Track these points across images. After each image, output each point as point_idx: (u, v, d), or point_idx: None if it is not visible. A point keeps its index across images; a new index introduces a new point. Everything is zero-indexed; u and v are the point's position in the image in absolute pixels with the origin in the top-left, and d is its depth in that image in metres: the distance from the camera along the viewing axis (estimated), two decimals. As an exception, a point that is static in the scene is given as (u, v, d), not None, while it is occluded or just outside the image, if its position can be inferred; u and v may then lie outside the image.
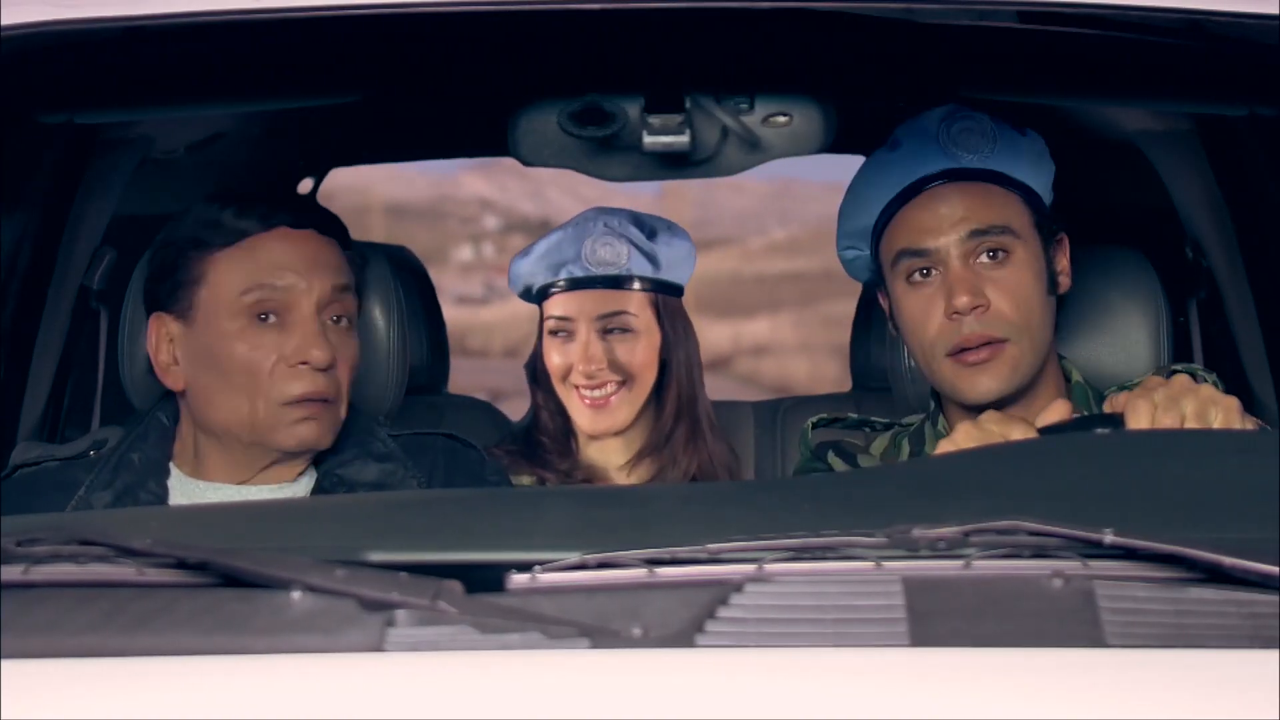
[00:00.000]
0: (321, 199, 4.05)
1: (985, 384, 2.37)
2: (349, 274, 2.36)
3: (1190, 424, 2.06)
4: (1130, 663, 1.32)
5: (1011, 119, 2.49)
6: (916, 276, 2.41)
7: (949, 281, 2.38)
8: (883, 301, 2.55)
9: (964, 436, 2.13)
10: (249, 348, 2.27)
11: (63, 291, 2.83)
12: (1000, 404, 2.39)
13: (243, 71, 2.39)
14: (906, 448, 2.54)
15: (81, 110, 2.48)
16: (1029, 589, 1.39)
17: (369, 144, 4.02)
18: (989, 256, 2.38)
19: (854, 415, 2.65)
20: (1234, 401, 2.11)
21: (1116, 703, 1.26)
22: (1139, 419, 2.07)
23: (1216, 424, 2.08)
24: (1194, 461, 1.81)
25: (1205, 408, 2.08)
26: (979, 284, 2.37)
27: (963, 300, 2.36)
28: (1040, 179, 2.46)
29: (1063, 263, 2.47)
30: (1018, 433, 2.13)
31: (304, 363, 2.27)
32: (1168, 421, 2.06)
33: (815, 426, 2.63)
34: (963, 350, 2.37)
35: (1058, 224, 2.47)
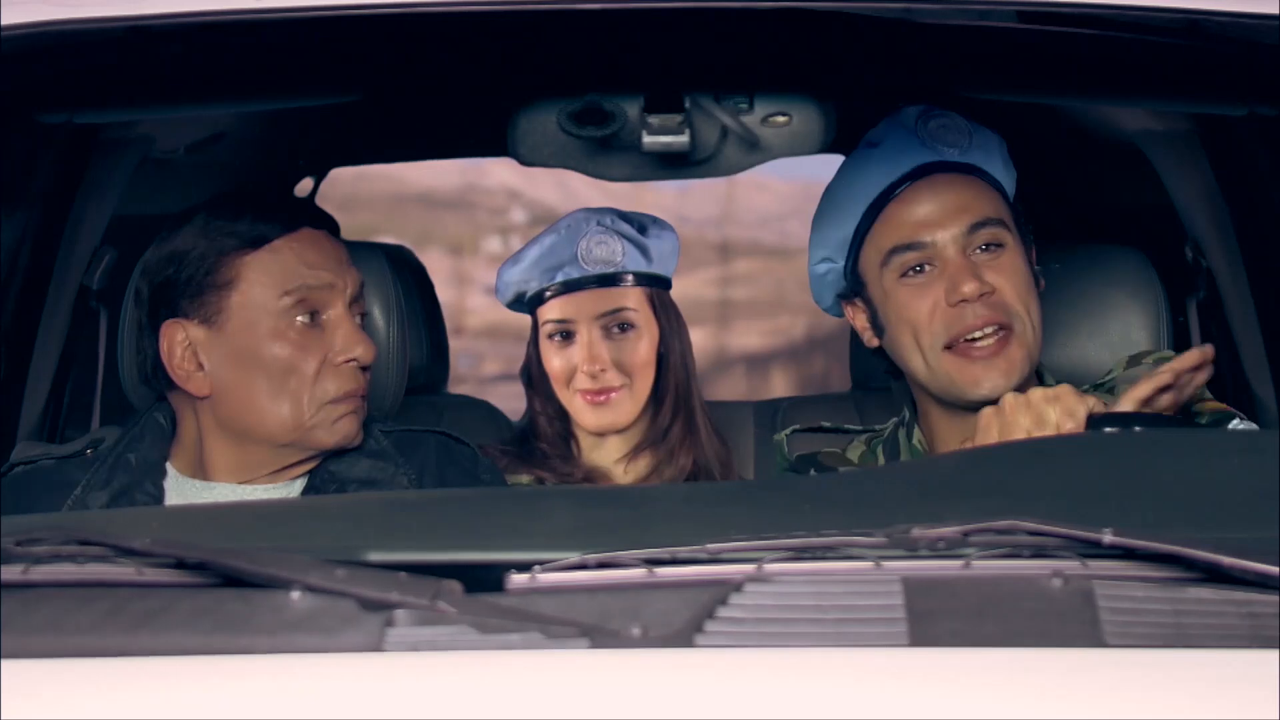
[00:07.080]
0: (348, 188, 4.04)
1: (991, 379, 2.31)
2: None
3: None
4: (1129, 662, 1.32)
5: (994, 118, 2.48)
6: (911, 273, 2.35)
7: (950, 273, 2.32)
8: (850, 315, 2.48)
9: (1012, 407, 2.19)
10: (292, 349, 2.28)
11: (63, 291, 2.83)
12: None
13: (243, 71, 2.39)
14: (882, 456, 2.48)
15: (81, 110, 2.48)
16: (1028, 589, 1.39)
17: (369, 144, 4.02)
18: (985, 249, 2.34)
19: (826, 424, 2.61)
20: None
21: (1116, 703, 1.26)
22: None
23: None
24: (1194, 461, 1.81)
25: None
26: (980, 273, 2.33)
27: (970, 286, 2.30)
28: (1008, 178, 2.43)
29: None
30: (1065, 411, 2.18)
31: (350, 360, 2.29)
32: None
33: (790, 437, 2.61)
34: (968, 341, 2.32)
35: (1028, 224, 2.45)
